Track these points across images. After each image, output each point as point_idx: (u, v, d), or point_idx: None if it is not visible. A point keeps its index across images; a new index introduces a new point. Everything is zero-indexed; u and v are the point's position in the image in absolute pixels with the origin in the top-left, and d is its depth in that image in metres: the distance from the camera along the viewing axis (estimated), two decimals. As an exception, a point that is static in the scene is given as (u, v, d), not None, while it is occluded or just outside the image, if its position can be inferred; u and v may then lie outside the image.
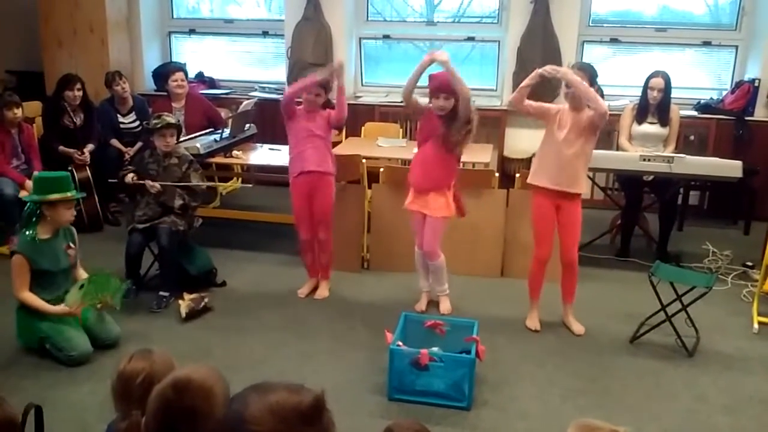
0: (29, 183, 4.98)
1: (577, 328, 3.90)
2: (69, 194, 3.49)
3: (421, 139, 3.94)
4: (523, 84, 3.69)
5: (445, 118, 3.76)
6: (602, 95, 3.94)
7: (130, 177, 4.21)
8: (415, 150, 4.11)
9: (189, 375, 1.58)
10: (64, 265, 3.56)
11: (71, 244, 3.61)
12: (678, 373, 3.48)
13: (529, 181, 3.84)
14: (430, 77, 3.76)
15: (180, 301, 4.00)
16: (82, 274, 3.67)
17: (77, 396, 3.16)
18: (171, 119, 4.23)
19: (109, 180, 4.59)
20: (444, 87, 3.70)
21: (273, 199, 5.98)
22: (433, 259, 4.01)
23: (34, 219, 3.49)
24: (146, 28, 7.01)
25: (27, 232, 3.47)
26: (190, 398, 1.53)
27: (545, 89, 5.88)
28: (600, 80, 6.12)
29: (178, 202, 4.19)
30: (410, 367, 3.15)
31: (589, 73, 3.64)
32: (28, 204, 3.53)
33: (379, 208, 4.76)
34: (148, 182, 4.13)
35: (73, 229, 3.69)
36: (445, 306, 4.13)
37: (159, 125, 4.15)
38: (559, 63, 5.98)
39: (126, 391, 1.90)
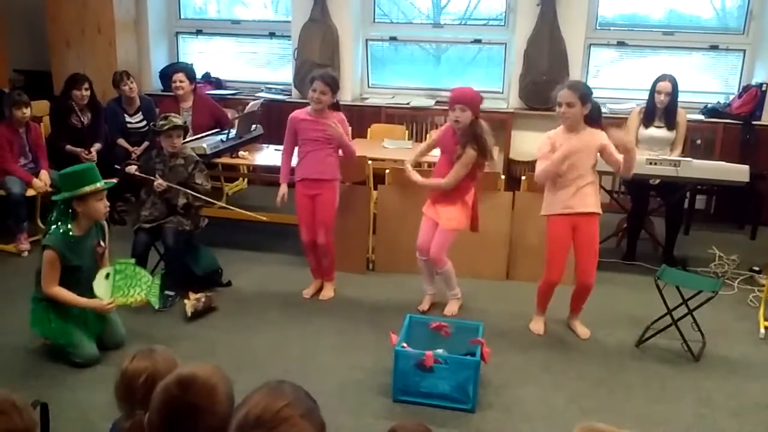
0: (36, 181, 5.02)
1: (582, 331, 3.89)
2: (99, 185, 3.40)
3: (442, 151, 3.99)
4: (550, 169, 3.61)
5: (462, 139, 3.80)
6: (599, 115, 3.88)
7: (132, 168, 4.21)
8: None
9: (194, 372, 1.60)
10: (92, 263, 3.50)
11: (101, 242, 3.55)
12: (684, 378, 3.47)
13: (542, 213, 3.80)
14: (451, 91, 3.87)
15: (185, 301, 4.00)
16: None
17: (82, 395, 3.17)
18: (178, 120, 4.23)
19: (115, 166, 4.59)
20: (459, 98, 3.77)
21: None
22: (440, 266, 4.02)
23: (64, 217, 3.40)
24: (153, 29, 7.03)
25: (61, 229, 3.38)
26: (193, 395, 1.56)
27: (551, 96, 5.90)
28: (606, 83, 6.26)
29: (182, 201, 4.20)
30: (415, 368, 3.15)
31: (581, 92, 3.56)
32: (58, 203, 3.44)
33: (384, 209, 4.76)
34: (157, 180, 4.14)
35: (105, 225, 3.62)
36: (451, 308, 4.13)
37: (166, 127, 4.16)
38: (565, 66, 6.00)
39: (129, 391, 1.90)
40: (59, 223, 3.40)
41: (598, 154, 3.67)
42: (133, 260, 3.59)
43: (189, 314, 3.95)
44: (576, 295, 3.88)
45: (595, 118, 3.73)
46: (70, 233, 3.39)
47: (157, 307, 3.69)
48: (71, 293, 3.41)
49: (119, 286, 3.45)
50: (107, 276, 3.44)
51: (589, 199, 3.70)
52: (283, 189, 4.22)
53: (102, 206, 3.45)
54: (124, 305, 3.52)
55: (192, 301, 3.99)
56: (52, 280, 3.37)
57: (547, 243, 3.81)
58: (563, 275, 3.81)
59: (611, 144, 3.57)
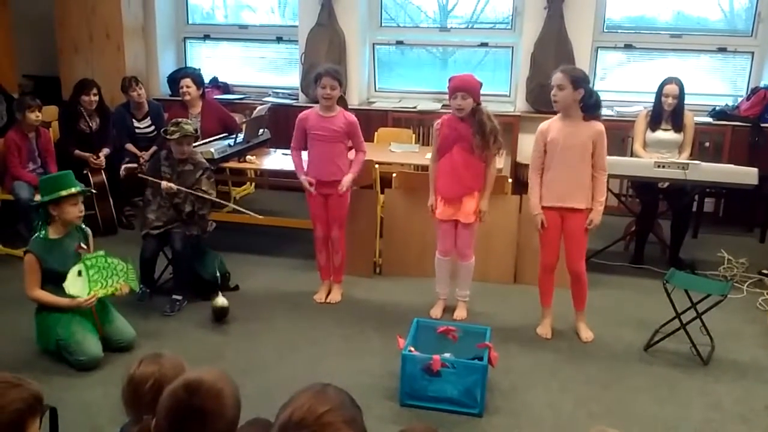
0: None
1: (586, 334, 3.88)
2: (73, 189, 3.51)
3: (444, 147, 3.90)
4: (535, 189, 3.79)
5: (472, 128, 3.79)
6: (597, 105, 3.64)
7: (130, 167, 4.21)
8: (428, 156, 4.10)
9: (200, 376, 1.61)
10: (74, 264, 3.54)
11: (83, 244, 3.62)
12: (692, 382, 3.46)
13: (542, 204, 3.83)
14: (449, 79, 3.84)
15: (217, 298, 4.02)
16: None
17: (90, 399, 3.18)
18: (189, 128, 4.20)
19: (120, 170, 4.65)
20: (459, 87, 3.77)
21: (286, 203, 6.00)
22: (468, 259, 4.05)
23: (41, 221, 3.54)
24: (162, 34, 7.06)
25: (39, 233, 3.52)
26: (200, 399, 1.57)
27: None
28: (613, 86, 6.24)
29: (187, 209, 4.21)
30: (422, 372, 3.15)
31: (572, 76, 3.55)
32: (38, 208, 3.57)
33: (391, 213, 4.76)
34: (164, 183, 4.15)
35: (88, 230, 3.70)
36: (461, 312, 4.12)
37: (176, 135, 4.14)
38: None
39: (136, 396, 1.91)
40: (38, 230, 3.53)
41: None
42: (101, 252, 3.59)
43: (220, 305, 3.95)
44: (572, 286, 3.89)
45: (590, 107, 3.65)
46: (47, 237, 3.51)
47: (138, 291, 3.68)
48: (53, 295, 3.48)
49: (95, 279, 3.49)
50: (79, 273, 3.47)
51: (579, 195, 3.69)
52: (306, 179, 4.14)
53: (76, 210, 3.54)
54: (106, 296, 3.55)
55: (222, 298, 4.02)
56: (33, 284, 3.48)
57: (538, 228, 3.86)
58: (557, 260, 3.87)
59: (604, 141, 3.62)
